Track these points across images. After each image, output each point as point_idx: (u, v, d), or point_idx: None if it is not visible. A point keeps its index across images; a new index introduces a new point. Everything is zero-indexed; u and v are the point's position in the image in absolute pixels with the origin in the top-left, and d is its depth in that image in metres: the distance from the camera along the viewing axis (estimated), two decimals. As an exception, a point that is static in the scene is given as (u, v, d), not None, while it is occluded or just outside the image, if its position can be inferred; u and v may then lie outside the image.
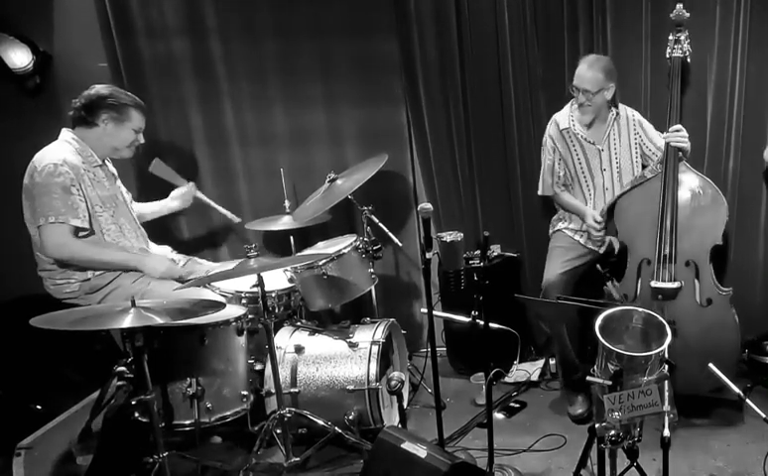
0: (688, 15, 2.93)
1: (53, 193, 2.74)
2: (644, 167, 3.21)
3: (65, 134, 2.92)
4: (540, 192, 3.36)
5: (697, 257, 2.86)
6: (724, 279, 3.25)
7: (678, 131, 2.88)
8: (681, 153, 2.91)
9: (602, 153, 3.16)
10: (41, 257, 2.88)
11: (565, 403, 3.19)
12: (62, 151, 2.83)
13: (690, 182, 2.91)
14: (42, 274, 2.92)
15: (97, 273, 2.87)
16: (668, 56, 2.97)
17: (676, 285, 2.84)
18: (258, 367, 2.88)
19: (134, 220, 3.11)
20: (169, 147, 3.86)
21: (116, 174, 3.11)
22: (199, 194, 3.51)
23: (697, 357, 2.66)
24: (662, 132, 2.99)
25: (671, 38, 2.96)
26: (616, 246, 3.13)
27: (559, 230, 3.32)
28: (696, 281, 2.86)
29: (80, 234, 2.84)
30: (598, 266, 2.94)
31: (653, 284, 2.86)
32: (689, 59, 2.99)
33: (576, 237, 3.25)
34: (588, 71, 3.00)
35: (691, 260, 2.86)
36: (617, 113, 3.17)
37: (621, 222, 3.03)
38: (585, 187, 3.21)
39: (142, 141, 3.06)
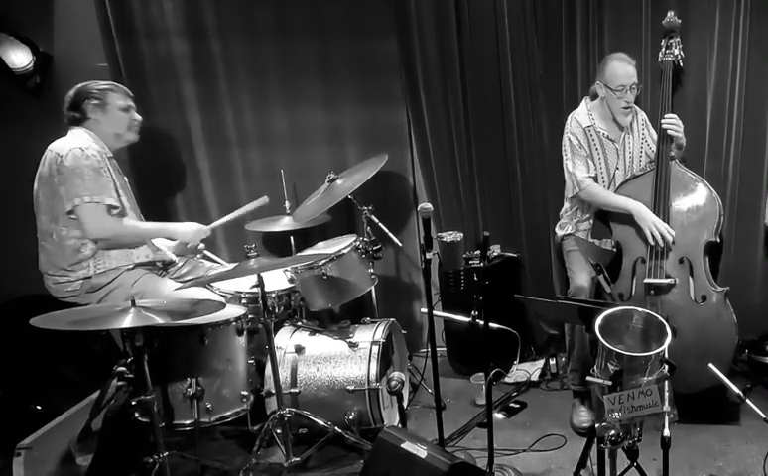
0: (679, 22, 3.03)
1: (85, 175, 2.77)
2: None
3: (77, 130, 2.94)
4: (577, 188, 3.10)
5: (690, 254, 2.88)
6: (722, 277, 3.26)
7: (673, 120, 2.94)
8: (674, 145, 2.96)
9: (619, 153, 3.15)
10: (44, 245, 2.87)
11: (566, 404, 3.18)
12: (83, 139, 2.87)
13: (682, 181, 2.96)
14: (43, 270, 2.91)
15: (99, 271, 2.87)
16: (660, 59, 3.07)
17: (668, 280, 2.86)
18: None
19: (139, 211, 3.14)
20: (169, 147, 3.86)
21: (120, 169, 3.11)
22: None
23: (692, 354, 2.69)
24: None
25: (663, 43, 3.06)
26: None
27: (569, 234, 3.26)
28: (690, 278, 2.88)
29: (113, 212, 2.87)
30: (590, 258, 2.94)
31: (645, 279, 2.88)
32: (681, 64, 3.07)
33: (591, 238, 3.22)
34: (629, 65, 3.01)
35: (684, 257, 2.89)
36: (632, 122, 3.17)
37: (615, 223, 3.04)
38: (603, 187, 3.18)
39: (137, 118, 3.06)
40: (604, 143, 3.13)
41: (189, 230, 3.10)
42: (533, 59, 3.47)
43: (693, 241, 2.89)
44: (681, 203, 2.93)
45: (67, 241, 2.84)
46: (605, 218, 3.11)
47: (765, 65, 3.16)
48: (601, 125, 3.14)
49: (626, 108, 3.07)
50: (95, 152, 2.84)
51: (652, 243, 2.87)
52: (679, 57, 3.04)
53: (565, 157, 3.16)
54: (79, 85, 2.98)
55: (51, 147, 2.84)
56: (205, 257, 3.35)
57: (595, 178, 3.13)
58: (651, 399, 1.86)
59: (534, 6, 3.39)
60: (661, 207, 2.90)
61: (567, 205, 3.32)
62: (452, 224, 3.67)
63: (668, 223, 2.89)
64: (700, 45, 3.20)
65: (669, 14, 3.03)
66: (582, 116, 3.15)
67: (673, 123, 2.95)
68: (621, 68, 3.00)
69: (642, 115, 3.23)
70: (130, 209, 3.01)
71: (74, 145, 2.80)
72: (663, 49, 3.05)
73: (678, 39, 3.04)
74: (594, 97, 3.18)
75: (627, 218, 2.97)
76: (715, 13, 3.13)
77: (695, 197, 2.93)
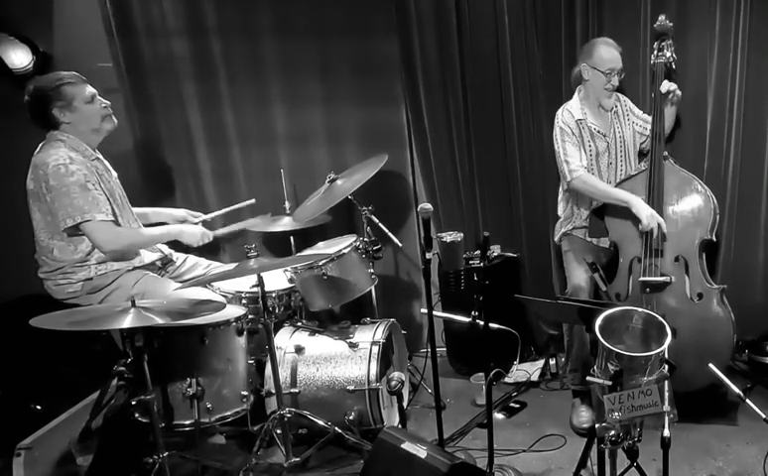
0: (671, 25, 3.03)
1: (71, 193, 2.72)
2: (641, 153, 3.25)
3: (56, 135, 2.85)
4: (569, 177, 3.07)
5: (686, 252, 2.89)
6: (722, 276, 3.27)
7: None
8: (670, 99, 3.01)
9: (609, 146, 3.16)
10: (45, 259, 2.87)
11: (566, 404, 3.18)
12: (63, 150, 2.79)
13: (676, 180, 2.96)
14: (42, 275, 2.91)
15: (100, 272, 2.87)
16: (651, 62, 3.08)
17: (663, 278, 2.86)
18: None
19: (132, 213, 3.11)
20: (169, 146, 3.86)
21: (109, 166, 3.06)
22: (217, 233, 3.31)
23: (689, 352, 2.70)
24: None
25: (654, 46, 3.06)
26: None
27: (568, 233, 3.26)
28: (686, 276, 2.88)
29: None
30: (585, 257, 2.94)
31: (640, 277, 2.89)
32: (673, 66, 3.07)
33: (588, 237, 3.22)
34: (615, 50, 3.04)
35: (680, 255, 2.89)
36: (615, 104, 3.19)
37: (612, 222, 3.05)
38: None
39: (106, 102, 2.94)
40: (596, 138, 3.14)
41: (195, 231, 3.09)
42: (533, 59, 3.46)
43: (688, 239, 2.90)
44: (675, 202, 2.94)
45: (74, 255, 2.83)
46: (602, 216, 3.11)
47: (765, 65, 3.15)
48: (592, 120, 3.14)
49: (610, 90, 3.09)
50: (79, 165, 2.76)
51: (645, 228, 2.85)
52: (671, 59, 3.04)
53: (557, 145, 3.14)
54: (30, 89, 2.82)
55: (34, 161, 2.79)
56: None
57: (590, 171, 3.13)
58: (651, 399, 1.86)
59: (534, 6, 3.39)
60: (655, 207, 2.90)
61: (562, 203, 3.32)
62: (452, 224, 3.67)
63: (662, 216, 2.88)
64: (699, 45, 3.19)
65: (660, 17, 3.03)
66: (575, 109, 3.15)
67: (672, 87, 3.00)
68: (610, 52, 3.03)
69: (627, 102, 3.24)
70: (120, 215, 2.95)
71: (57, 161, 2.72)
72: (655, 51, 3.06)
73: (670, 41, 3.04)
74: (577, 82, 3.18)
75: (623, 217, 2.97)
76: (715, 13, 3.12)
77: (689, 196, 2.93)
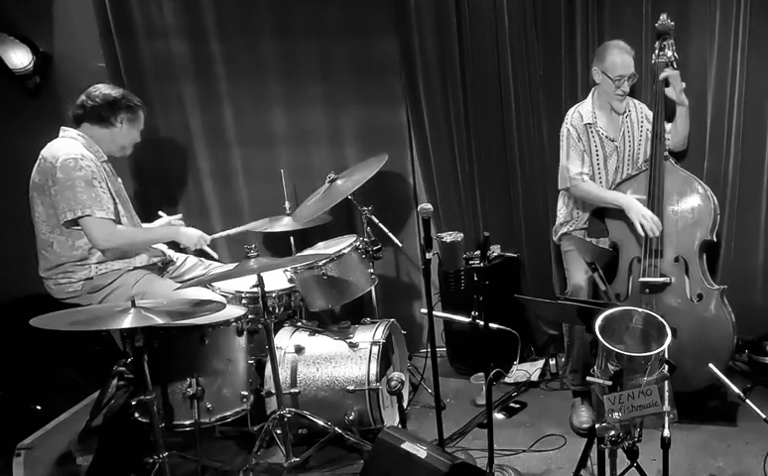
0: (672, 24, 3.01)
1: (76, 187, 2.75)
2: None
3: (70, 131, 2.90)
4: (567, 184, 3.13)
5: (686, 253, 2.89)
6: (722, 277, 3.27)
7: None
8: (675, 92, 2.98)
9: (618, 150, 3.15)
10: (44, 254, 2.88)
11: (566, 404, 3.18)
12: (76, 146, 2.83)
13: (676, 180, 2.96)
14: (43, 274, 2.91)
15: (100, 272, 2.87)
16: (653, 62, 3.06)
17: (663, 279, 2.86)
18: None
19: (135, 216, 3.12)
20: (169, 147, 3.86)
21: (114, 172, 3.08)
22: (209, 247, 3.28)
23: (688, 352, 2.70)
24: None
25: (656, 45, 3.05)
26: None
27: (567, 233, 3.27)
28: (685, 277, 2.88)
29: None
30: (585, 257, 2.94)
31: (640, 278, 2.89)
32: (674, 65, 3.05)
33: (588, 238, 3.22)
34: (628, 55, 3.04)
35: (680, 256, 2.89)
36: (629, 109, 3.18)
37: (612, 222, 3.05)
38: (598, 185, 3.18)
39: (139, 140, 3.12)
40: (605, 144, 3.14)
41: (192, 234, 3.11)
42: (533, 59, 3.46)
43: (688, 240, 2.90)
44: (675, 203, 2.93)
45: (73, 251, 2.84)
46: (602, 217, 3.11)
47: (765, 65, 3.16)
48: (602, 124, 3.14)
49: (621, 96, 3.09)
50: (89, 162, 2.80)
51: (642, 234, 2.87)
52: (672, 59, 3.02)
53: (561, 147, 3.15)
54: (121, 91, 3.00)
55: (43, 153, 2.82)
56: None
57: (592, 177, 3.13)
58: (651, 399, 1.86)
59: (534, 6, 3.39)
60: (655, 207, 2.90)
61: (561, 205, 3.32)
62: (452, 224, 3.67)
63: (662, 223, 2.88)
64: (700, 44, 3.20)
65: (662, 17, 3.01)
66: (586, 112, 3.14)
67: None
68: (621, 58, 3.03)
69: (643, 108, 3.23)
70: (124, 215, 2.98)
71: (68, 154, 2.77)
72: (656, 51, 3.04)
73: (671, 41, 3.02)
74: (594, 82, 3.18)
75: (622, 217, 2.97)
76: (715, 12, 3.13)
77: (689, 196, 2.93)
